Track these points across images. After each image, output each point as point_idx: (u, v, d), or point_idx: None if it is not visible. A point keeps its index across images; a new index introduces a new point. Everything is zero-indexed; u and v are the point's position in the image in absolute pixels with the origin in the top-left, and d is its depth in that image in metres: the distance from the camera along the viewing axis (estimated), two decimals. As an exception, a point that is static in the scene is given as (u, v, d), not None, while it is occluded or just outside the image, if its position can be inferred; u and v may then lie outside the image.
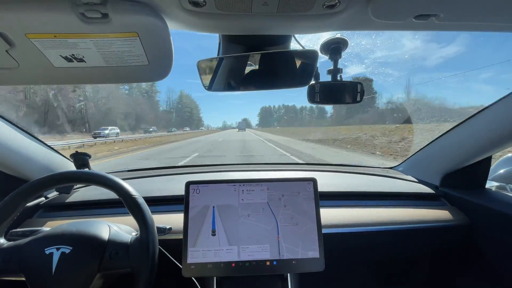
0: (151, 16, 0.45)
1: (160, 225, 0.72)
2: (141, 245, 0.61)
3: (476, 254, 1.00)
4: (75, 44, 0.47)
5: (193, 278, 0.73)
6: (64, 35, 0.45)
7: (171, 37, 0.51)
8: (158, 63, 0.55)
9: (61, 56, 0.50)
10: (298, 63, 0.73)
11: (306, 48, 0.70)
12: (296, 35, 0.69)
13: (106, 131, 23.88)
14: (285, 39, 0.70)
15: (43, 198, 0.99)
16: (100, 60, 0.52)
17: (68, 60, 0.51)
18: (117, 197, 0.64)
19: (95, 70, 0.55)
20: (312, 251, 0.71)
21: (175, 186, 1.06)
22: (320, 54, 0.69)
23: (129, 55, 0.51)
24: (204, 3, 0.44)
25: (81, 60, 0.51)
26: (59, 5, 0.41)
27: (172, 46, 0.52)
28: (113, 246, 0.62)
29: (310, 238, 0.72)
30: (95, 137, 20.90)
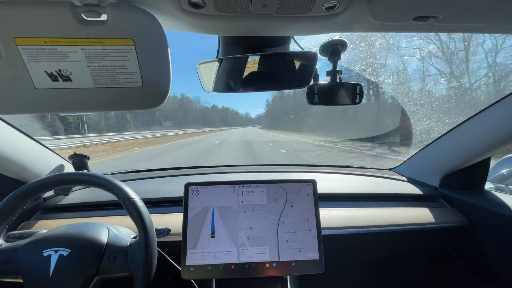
0: (149, 18, 0.43)
1: (159, 227, 0.71)
2: (139, 249, 0.60)
3: (475, 255, 1.00)
4: (64, 55, 0.44)
5: (192, 280, 0.72)
6: (55, 40, 0.42)
7: (168, 49, 0.47)
8: (153, 85, 0.49)
9: (45, 72, 0.45)
10: (297, 64, 0.73)
11: (306, 49, 0.71)
12: (296, 37, 0.69)
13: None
14: (285, 40, 0.70)
15: (41, 200, 0.99)
16: (89, 79, 0.47)
17: (53, 78, 0.46)
18: (116, 198, 0.63)
19: (82, 93, 0.48)
20: (311, 253, 0.71)
21: (174, 187, 1.05)
22: (319, 55, 0.70)
23: (122, 72, 0.47)
24: (203, 4, 0.44)
25: (67, 79, 0.46)
26: (56, 5, 0.40)
27: (170, 62, 0.48)
28: (111, 249, 0.62)
29: (310, 239, 0.72)
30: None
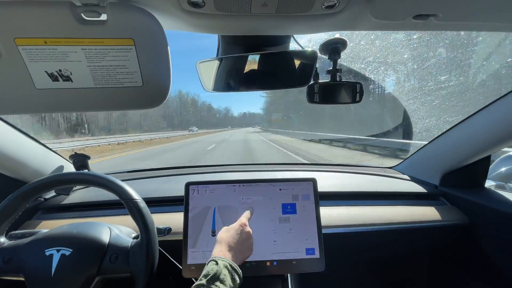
0: (149, 18, 0.43)
1: (160, 226, 0.72)
2: (141, 250, 0.61)
3: (475, 253, 1.00)
4: (65, 55, 0.44)
5: (193, 279, 0.73)
6: (55, 40, 0.42)
7: (168, 48, 0.47)
8: (153, 84, 0.49)
9: (46, 72, 0.45)
10: (297, 63, 0.73)
11: (305, 48, 0.71)
12: (296, 36, 0.69)
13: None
14: (285, 39, 0.70)
15: (42, 200, 0.99)
16: (89, 79, 0.47)
17: (53, 78, 0.45)
18: (116, 198, 0.63)
19: (82, 93, 0.48)
20: (312, 252, 0.71)
21: (175, 186, 1.05)
22: (319, 54, 0.70)
23: (122, 71, 0.47)
24: (203, 4, 0.44)
25: (67, 79, 0.46)
26: (56, 5, 0.40)
27: (170, 61, 0.48)
28: (113, 249, 0.62)
29: (310, 238, 0.72)
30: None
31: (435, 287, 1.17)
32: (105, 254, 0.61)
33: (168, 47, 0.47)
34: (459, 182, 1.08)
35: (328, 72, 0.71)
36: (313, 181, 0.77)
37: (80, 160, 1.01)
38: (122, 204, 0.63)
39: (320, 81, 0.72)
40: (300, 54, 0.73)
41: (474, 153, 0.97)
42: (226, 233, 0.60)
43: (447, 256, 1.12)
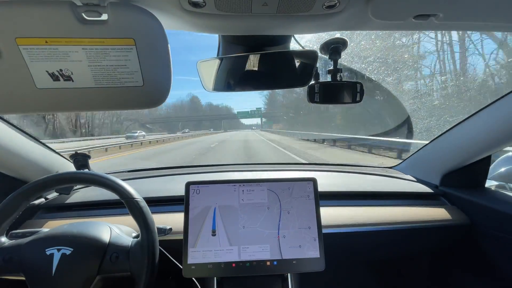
0: (150, 17, 0.43)
1: (161, 226, 0.72)
2: (141, 249, 0.61)
3: (476, 253, 1.00)
4: (65, 55, 0.44)
5: (193, 278, 0.73)
6: (56, 40, 0.42)
7: (169, 48, 0.47)
8: (154, 84, 0.49)
9: (47, 72, 0.45)
10: (297, 63, 0.73)
11: (306, 48, 0.71)
12: (296, 35, 0.69)
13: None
14: (285, 39, 0.70)
15: (43, 199, 0.99)
16: (90, 78, 0.46)
17: (54, 78, 0.46)
18: (117, 197, 0.64)
19: (83, 93, 0.48)
20: (312, 251, 0.71)
21: (175, 186, 1.06)
22: (319, 54, 0.70)
23: (123, 71, 0.47)
24: (203, 4, 0.44)
25: (68, 79, 0.46)
26: (56, 5, 0.40)
27: (171, 61, 0.48)
28: (113, 249, 0.62)
29: (311, 238, 0.72)
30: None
31: (436, 287, 1.17)
32: (105, 254, 0.61)
33: (169, 47, 0.47)
34: (460, 182, 1.08)
35: (329, 72, 0.71)
36: (313, 181, 0.77)
37: (80, 159, 1.01)
38: (122, 203, 0.64)
39: (320, 81, 0.72)
40: (301, 54, 0.73)
41: (475, 153, 0.96)
42: None
43: (447, 256, 1.12)
